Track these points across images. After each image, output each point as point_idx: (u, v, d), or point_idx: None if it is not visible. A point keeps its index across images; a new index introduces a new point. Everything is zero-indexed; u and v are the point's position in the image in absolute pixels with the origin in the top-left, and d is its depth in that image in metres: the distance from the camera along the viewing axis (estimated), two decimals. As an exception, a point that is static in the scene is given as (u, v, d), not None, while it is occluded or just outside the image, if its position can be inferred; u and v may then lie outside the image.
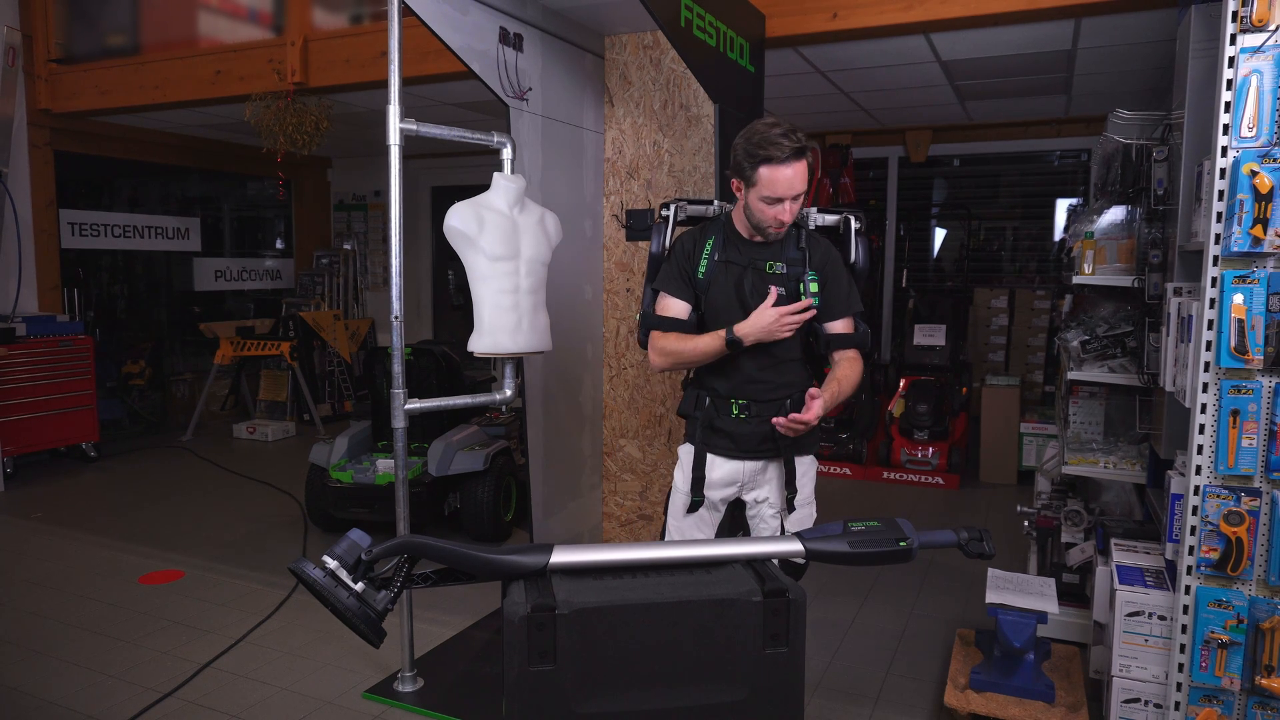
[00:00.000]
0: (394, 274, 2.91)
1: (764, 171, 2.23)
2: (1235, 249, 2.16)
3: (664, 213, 2.60)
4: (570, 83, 3.78)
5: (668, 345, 2.40)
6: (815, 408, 2.21)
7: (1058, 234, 7.17)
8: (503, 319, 3.10)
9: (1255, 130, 2.16)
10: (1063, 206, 7.20)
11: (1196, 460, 2.27)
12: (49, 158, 6.68)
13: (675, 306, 2.43)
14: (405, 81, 2.88)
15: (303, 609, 3.81)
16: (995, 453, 6.04)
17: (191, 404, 7.86)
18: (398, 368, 2.93)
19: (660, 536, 2.67)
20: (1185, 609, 2.33)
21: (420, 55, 4.57)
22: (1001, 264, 7.63)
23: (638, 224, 3.89)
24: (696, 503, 2.52)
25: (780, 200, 2.26)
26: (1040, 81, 5.43)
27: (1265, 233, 2.13)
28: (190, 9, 6.07)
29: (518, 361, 3.34)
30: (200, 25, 6.10)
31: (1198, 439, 2.26)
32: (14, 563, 4.43)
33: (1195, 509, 2.29)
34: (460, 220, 3.02)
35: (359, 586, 1.66)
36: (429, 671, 3.23)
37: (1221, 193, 2.19)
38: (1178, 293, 2.56)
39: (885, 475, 6.15)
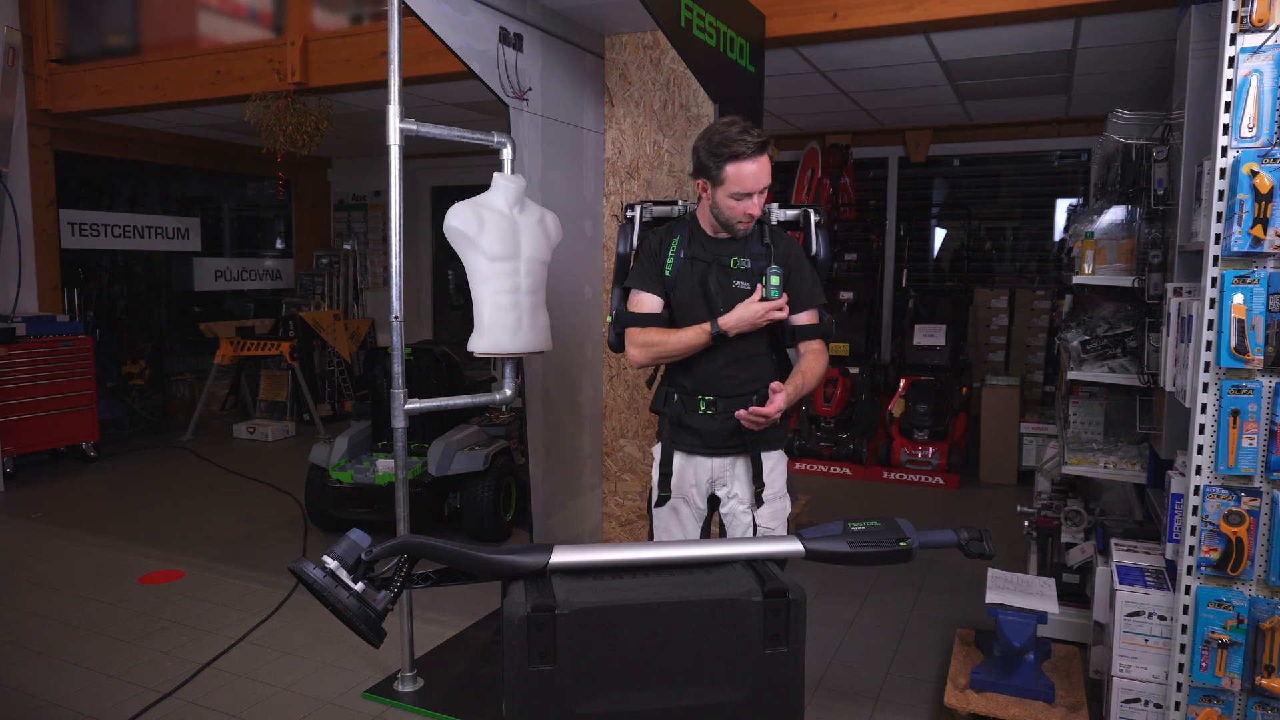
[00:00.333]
0: (394, 274, 2.91)
1: (731, 169, 2.28)
2: (1235, 249, 2.16)
3: (629, 214, 2.64)
4: (570, 83, 3.78)
5: (649, 338, 2.42)
6: (777, 401, 2.24)
7: (1058, 234, 7.17)
8: (503, 319, 3.10)
9: (1255, 130, 2.16)
10: (1063, 206, 7.20)
11: (1196, 460, 2.27)
12: (49, 158, 6.69)
13: (649, 302, 2.46)
14: (405, 81, 2.88)
15: (303, 609, 3.81)
16: (995, 453, 6.04)
17: (191, 404, 7.86)
18: (398, 368, 2.93)
19: (649, 537, 2.67)
20: (1185, 609, 2.33)
21: (420, 55, 4.57)
22: (1001, 264, 7.63)
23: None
24: (663, 498, 2.56)
25: (749, 195, 2.31)
26: (1040, 81, 5.43)
27: (1265, 233, 2.13)
28: (190, 9, 6.07)
29: (518, 361, 3.34)
30: (200, 25, 6.10)
31: (1198, 439, 2.26)
32: (14, 563, 4.43)
33: (1195, 509, 2.29)
34: (460, 220, 3.02)
35: (359, 586, 1.66)
36: (429, 671, 3.23)
37: (1221, 193, 2.19)
38: (1178, 293, 2.56)
39: (885, 475, 6.15)
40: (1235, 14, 2.15)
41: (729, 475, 2.50)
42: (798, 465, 6.32)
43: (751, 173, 2.27)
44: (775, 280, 2.32)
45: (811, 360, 2.40)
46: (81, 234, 7.05)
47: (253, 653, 3.44)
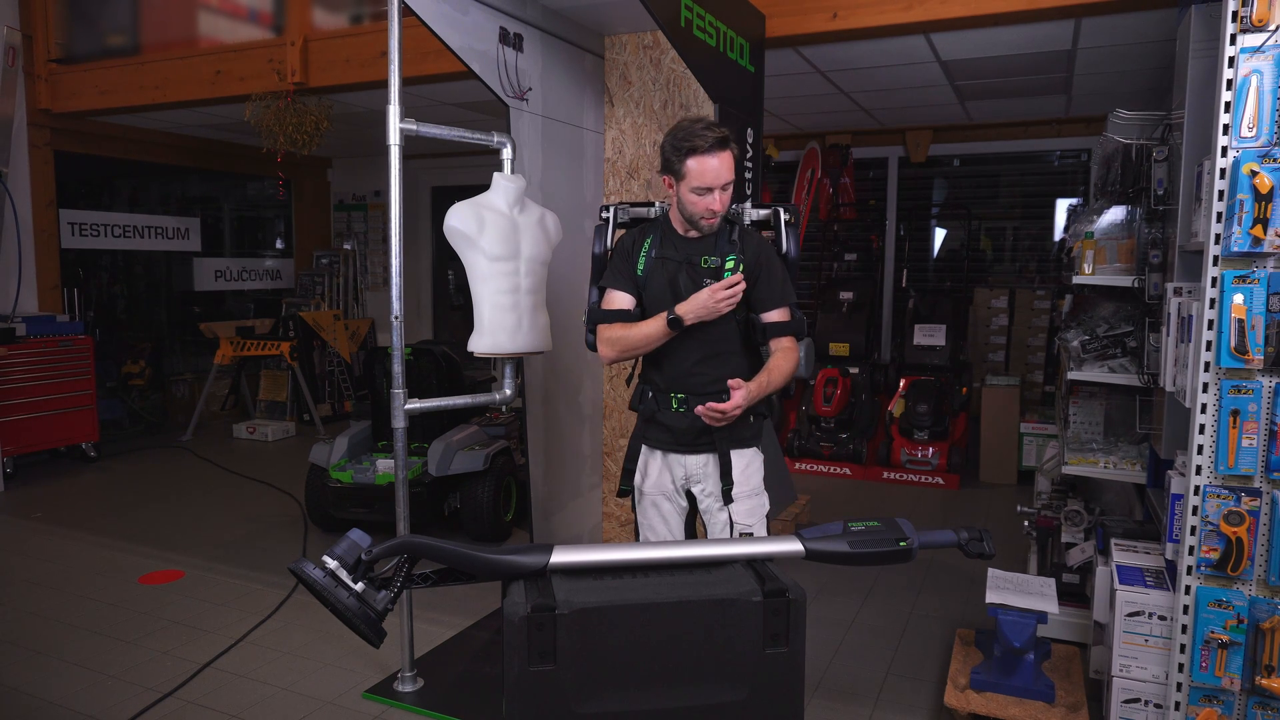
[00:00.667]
0: (394, 274, 2.91)
1: (691, 163, 2.30)
2: (1235, 249, 2.16)
3: (604, 215, 2.66)
4: (570, 83, 3.78)
5: (613, 334, 2.44)
6: (735, 397, 2.24)
7: (1058, 234, 7.17)
8: (503, 319, 3.10)
9: (1255, 130, 2.16)
10: (1063, 206, 7.20)
11: (1196, 460, 2.27)
12: (49, 158, 6.69)
13: (620, 299, 2.48)
14: (405, 81, 2.88)
15: (303, 609, 3.81)
16: (995, 453, 6.04)
17: (191, 404, 7.86)
18: (398, 368, 2.93)
19: (634, 534, 2.68)
20: (1185, 609, 2.33)
21: (420, 55, 4.57)
22: (1000, 264, 7.63)
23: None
24: (624, 491, 2.59)
25: (709, 190, 2.32)
26: (1040, 81, 5.43)
27: (1265, 233, 2.13)
28: (190, 9, 6.07)
29: (518, 361, 3.34)
30: (200, 25, 6.10)
31: (1198, 439, 2.26)
32: (14, 563, 4.43)
33: (1195, 509, 2.29)
34: (460, 220, 3.02)
35: (359, 586, 1.66)
36: (429, 671, 3.23)
37: (1221, 193, 2.19)
38: (1178, 293, 2.56)
39: (885, 475, 6.15)
40: (1235, 14, 2.15)
41: (703, 473, 2.52)
42: (798, 465, 6.32)
43: (712, 167, 2.29)
44: (730, 265, 2.34)
45: (780, 358, 2.41)
46: (81, 234, 7.05)
47: (253, 653, 3.44)
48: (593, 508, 4.12)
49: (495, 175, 3.16)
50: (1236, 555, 2.24)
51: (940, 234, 7.79)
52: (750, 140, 3.78)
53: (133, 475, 6.29)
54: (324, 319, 8.05)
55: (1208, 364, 2.23)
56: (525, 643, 1.56)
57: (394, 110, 2.82)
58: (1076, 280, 3.23)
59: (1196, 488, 2.28)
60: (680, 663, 1.62)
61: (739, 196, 3.60)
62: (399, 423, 2.96)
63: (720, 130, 2.31)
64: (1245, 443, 2.21)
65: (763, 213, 2.63)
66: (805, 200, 7.25)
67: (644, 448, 2.57)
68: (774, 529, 4.38)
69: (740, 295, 2.33)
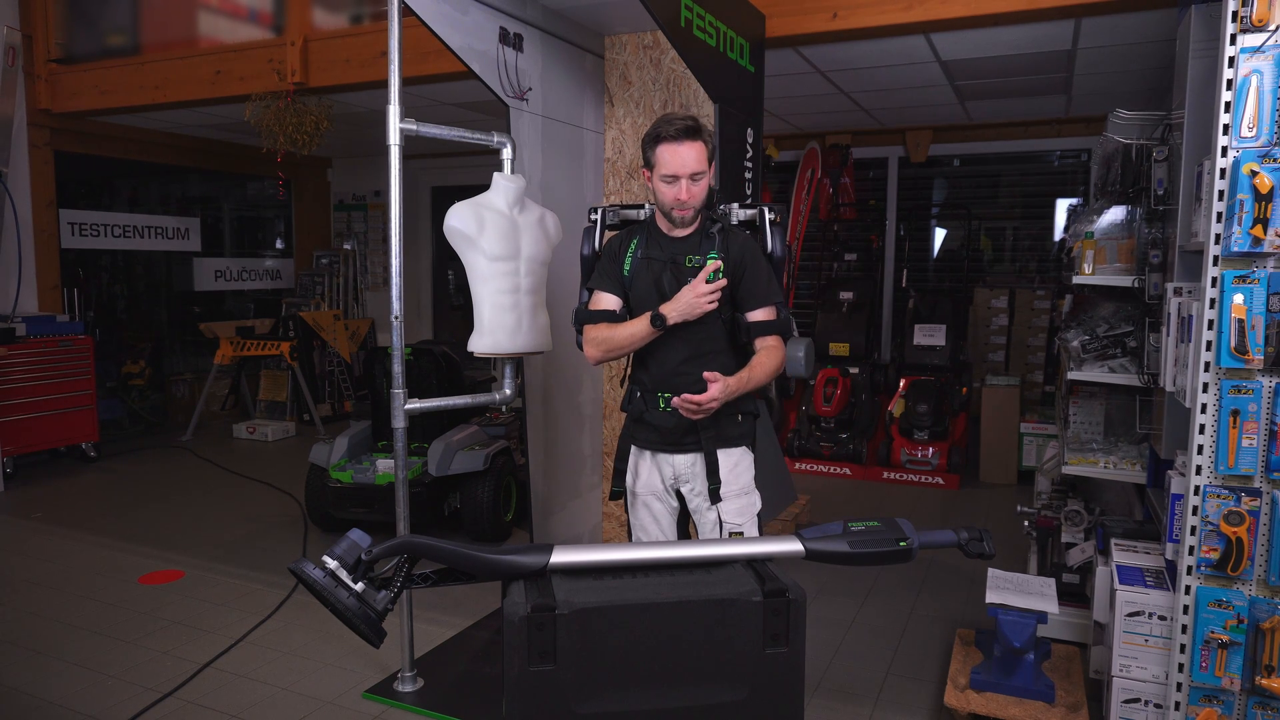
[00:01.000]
0: (394, 274, 2.91)
1: (659, 151, 2.33)
2: (1235, 249, 2.16)
3: (592, 216, 2.66)
4: (570, 83, 3.78)
5: (599, 334, 2.45)
6: (712, 390, 2.24)
7: (1058, 234, 7.17)
8: (503, 319, 3.10)
9: (1255, 130, 2.16)
10: (1063, 206, 7.20)
11: (1196, 460, 2.27)
12: (49, 158, 6.69)
13: (606, 300, 2.49)
14: (405, 81, 2.88)
15: (303, 609, 3.81)
16: (995, 453, 6.04)
17: (191, 404, 7.86)
18: (398, 368, 2.93)
19: (627, 534, 2.69)
20: (1185, 609, 2.33)
21: (420, 55, 4.57)
22: (998, 265, 7.63)
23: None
24: (616, 493, 2.60)
25: (676, 179, 2.33)
26: (1040, 81, 5.43)
27: (1265, 233, 2.13)
28: (190, 9, 6.07)
29: (518, 361, 3.34)
30: (200, 25, 6.10)
31: (1198, 439, 2.26)
32: (14, 563, 4.43)
33: (1195, 509, 2.29)
34: (460, 220, 3.02)
35: (359, 586, 1.66)
36: (429, 671, 3.23)
37: (1221, 193, 2.19)
38: (1178, 293, 2.56)
39: (885, 475, 6.15)
40: (1235, 14, 2.15)
41: (690, 472, 2.52)
42: (798, 465, 6.32)
43: (679, 156, 2.30)
44: (711, 264, 2.34)
45: (764, 356, 2.41)
46: (81, 234, 7.05)
47: (253, 653, 3.44)
48: (593, 508, 4.12)
49: (495, 175, 3.16)
50: (1236, 555, 2.24)
51: (940, 234, 7.80)
52: (750, 140, 3.78)
53: (133, 475, 6.29)
54: (324, 319, 8.05)
55: (1208, 364, 2.23)
56: (525, 643, 1.56)
57: (394, 110, 2.82)
58: (1076, 280, 3.22)
59: (1196, 488, 2.28)
60: (680, 663, 1.62)
61: (737, 196, 3.61)
62: (399, 423, 2.96)
63: (692, 121, 2.32)
64: (1245, 443, 2.21)
65: (747, 212, 2.63)
66: (805, 200, 7.25)
67: (633, 448, 2.57)
68: (774, 529, 4.39)
69: (719, 295, 2.33)
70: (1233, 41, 2.16)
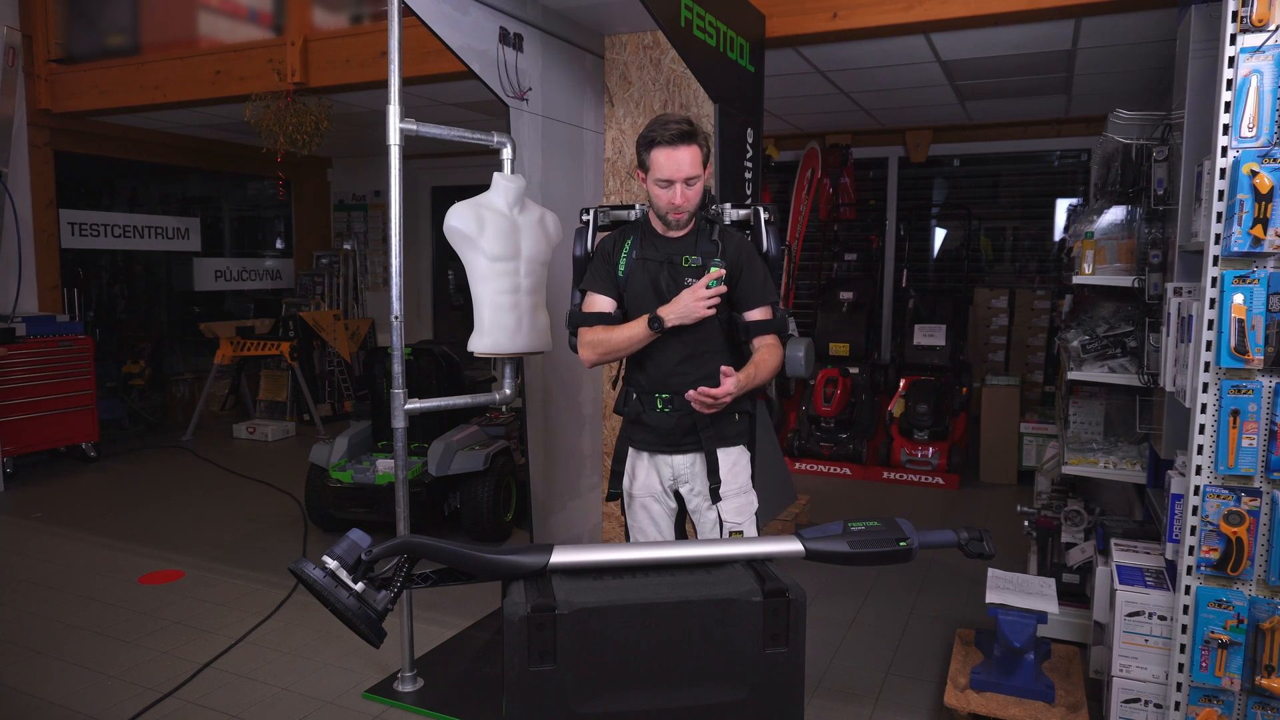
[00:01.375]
0: (394, 274, 2.91)
1: (654, 155, 2.32)
2: (1235, 249, 2.16)
3: (584, 218, 2.66)
4: (570, 83, 3.78)
5: (594, 337, 2.45)
6: (727, 384, 2.24)
7: (1058, 234, 7.17)
8: (503, 319, 3.10)
9: (1255, 130, 2.16)
10: (1063, 206, 7.20)
11: (1196, 460, 2.27)
12: (49, 158, 6.68)
13: (601, 302, 2.48)
14: (405, 81, 2.88)
15: (303, 609, 3.81)
16: (995, 453, 6.04)
17: (191, 404, 7.86)
18: (398, 368, 2.93)
19: (625, 536, 2.68)
20: (1185, 609, 2.33)
21: (420, 55, 4.57)
22: (998, 265, 7.63)
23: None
24: (613, 494, 2.60)
25: (671, 183, 2.32)
26: (1040, 81, 5.43)
27: (1265, 233, 2.13)
28: (190, 9, 6.07)
29: (518, 361, 3.34)
30: (200, 25, 6.10)
31: (1198, 439, 2.26)
32: (14, 563, 4.43)
33: (1195, 509, 2.29)
34: (460, 220, 3.02)
35: (359, 586, 1.66)
36: (429, 671, 3.23)
37: (1221, 193, 2.19)
38: (1178, 293, 2.56)
39: (885, 475, 6.15)
40: (1235, 14, 2.15)
41: (690, 472, 2.52)
42: (798, 465, 6.32)
43: (674, 160, 2.29)
44: (714, 271, 2.34)
45: (765, 354, 2.42)
46: (81, 234, 7.05)
47: (253, 653, 3.44)
48: (593, 508, 4.12)
49: (495, 175, 3.16)
50: (1236, 555, 2.24)
51: (940, 234, 7.80)
52: (750, 140, 3.78)
53: (133, 475, 6.29)
54: (324, 319, 8.05)
55: (1208, 364, 2.23)
56: (525, 643, 1.56)
57: (394, 110, 2.82)
58: (1076, 280, 3.22)
59: (1196, 488, 2.28)
60: (680, 663, 1.62)
61: (736, 196, 3.61)
62: (399, 423, 2.96)
63: (687, 125, 2.31)
64: (1245, 443, 2.21)
65: (741, 212, 2.64)
66: (805, 200, 7.25)
67: (630, 450, 2.57)
68: (774, 529, 4.39)
69: (717, 300, 2.33)
70: (1233, 41, 2.16)
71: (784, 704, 1.66)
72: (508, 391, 3.32)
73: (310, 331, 7.88)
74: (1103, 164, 3.39)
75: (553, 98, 3.65)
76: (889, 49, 4.69)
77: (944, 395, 6.18)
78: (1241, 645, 2.27)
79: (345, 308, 8.90)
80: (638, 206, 2.61)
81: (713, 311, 2.34)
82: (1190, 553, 2.30)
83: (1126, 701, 2.63)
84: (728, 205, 2.66)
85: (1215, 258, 2.20)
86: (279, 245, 10.28)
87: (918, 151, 7.32)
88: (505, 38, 3.32)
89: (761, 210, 2.61)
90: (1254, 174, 2.12)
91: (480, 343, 3.11)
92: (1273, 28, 2.12)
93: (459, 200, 3.08)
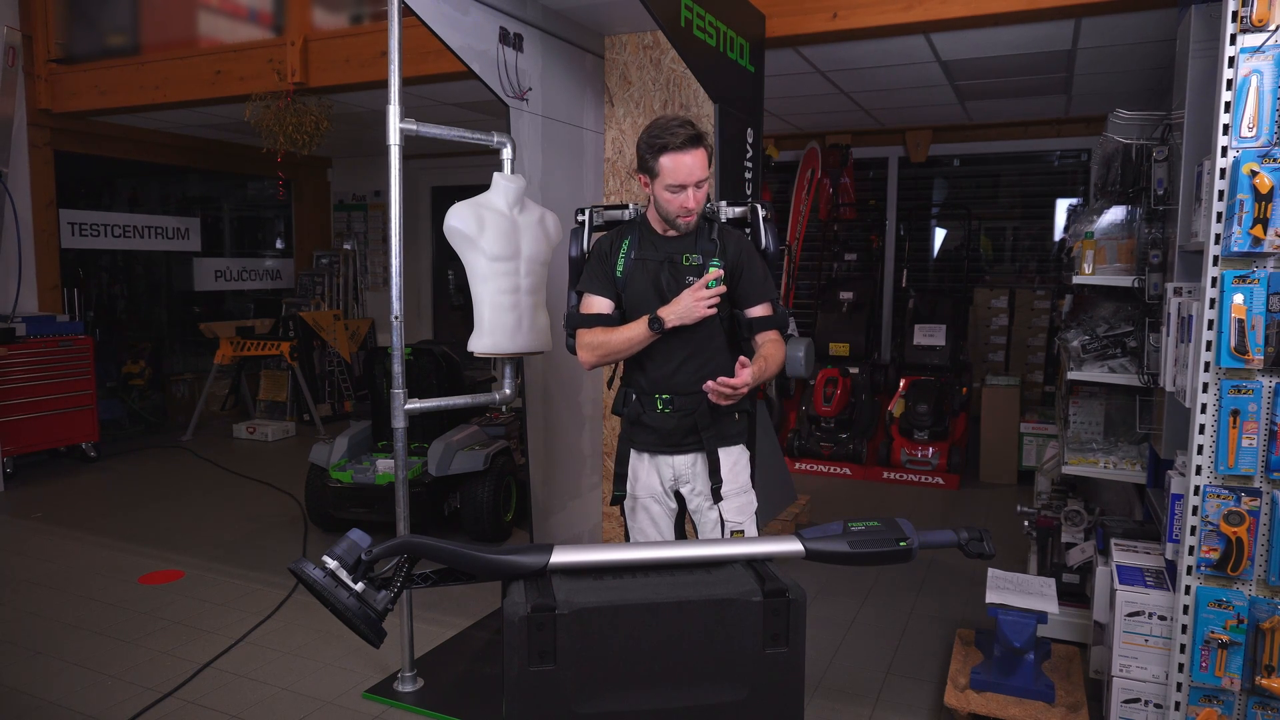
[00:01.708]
0: (394, 274, 2.91)
1: (664, 160, 2.31)
2: (1235, 249, 2.16)
3: (579, 218, 2.65)
4: (570, 83, 3.78)
5: (594, 339, 2.44)
6: (744, 375, 2.23)
7: (1058, 234, 7.17)
8: (503, 319, 3.10)
9: (1255, 130, 2.16)
10: (1063, 206, 7.20)
11: (1196, 460, 2.27)
12: (49, 158, 6.68)
13: (598, 303, 2.48)
14: (405, 81, 2.88)
15: (303, 609, 3.81)
16: (995, 453, 6.04)
17: (191, 404, 7.86)
18: (398, 368, 2.93)
19: (625, 537, 2.68)
20: (1185, 609, 2.33)
21: (420, 55, 4.57)
22: (998, 265, 7.63)
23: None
24: (618, 497, 2.59)
25: (683, 187, 2.33)
26: (1040, 81, 5.43)
27: (1265, 233, 2.13)
28: (190, 9, 6.07)
29: (518, 361, 3.34)
30: (200, 25, 6.10)
31: (1198, 439, 2.26)
32: (14, 563, 4.43)
33: (1195, 509, 2.29)
34: (460, 220, 3.02)
35: (359, 586, 1.66)
36: (429, 671, 3.23)
37: (1221, 193, 2.19)
38: (1178, 293, 2.56)
39: (885, 475, 6.15)
40: (1235, 14, 2.15)
41: (691, 473, 2.52)
42: (798, 465, 6.32)
43: (685, 165, 2.29)
44: (713, 270, 2.34)
45: (770, 348, 2.42)
46: (81, 234, 7.05)
47: (253, 653, 3.44)
48: (593, 508, 4.12)
49: (495, 175, 3.16)
50: (1236, 555, 2.24)
51: (940, 234, 7.80)
52: (750, 140, 3.78)
53: (133, 475, 6.29)
54: (324, 319, 8.05)
55: (1208, 364, 2.23)
56: (525, 643, 1.56)
57: (394, 110, 2.82)
58: (1076, 280, 3.23)
59: (1196, 488, 2.28)
60: (680, 663, 1.62)
61: (737, 195, 3.61)
62: (399, 423, 2.96)
63: (693, 127, 2.32)
64: (1245, 443, 2.21)
65: (739, 210, 2.64)
66: (805, 200, 7.25)
67: (631, 451, 2.57)
68: (774, 529, 4.39)
69: (717, 300, 2.33)
70: (1233, 41, 2.16)
71: (784, 704, 1.67)
72: (508, 391, 3.32)
73: (310, 331, 7.88)
74: (1103, 164, 3.39)
75: (553, 98, 3.65)
76: (889, 49, 4.69)
77: (944, 395, 6.18)
78: (1241, 645, 2.27)
79: (345, 308, 8.90)
80: (632, 206, 2.61)
81: (713, 311, 2.34)
82: (1190, 553, 2.30)
83: (1126, 701, 2.63)
84: (723, 203, 2.66)
85: (1215, 258, 2.20)
86: (279, 245, 10.28)
87: (918, 151, 7.32)
88: (505, 38, 3.32)
89: (759, 207, 2.61)
90: (1254, 174, 2.12)
91: (480, 343, 3.11)
92: (1273, 28, 2.12)
93: (459, 200, 3.07)
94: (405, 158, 2.88)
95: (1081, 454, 3.34)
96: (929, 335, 6.38)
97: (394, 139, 2.83)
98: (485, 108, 5.45)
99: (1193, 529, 2.29)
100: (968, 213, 7.25)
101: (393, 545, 1.72)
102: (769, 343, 2.44)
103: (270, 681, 3.21)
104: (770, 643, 1.64)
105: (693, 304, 2.31)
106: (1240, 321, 2.17)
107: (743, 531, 2.51)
